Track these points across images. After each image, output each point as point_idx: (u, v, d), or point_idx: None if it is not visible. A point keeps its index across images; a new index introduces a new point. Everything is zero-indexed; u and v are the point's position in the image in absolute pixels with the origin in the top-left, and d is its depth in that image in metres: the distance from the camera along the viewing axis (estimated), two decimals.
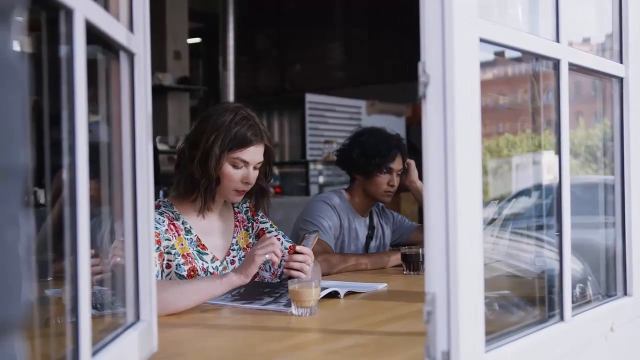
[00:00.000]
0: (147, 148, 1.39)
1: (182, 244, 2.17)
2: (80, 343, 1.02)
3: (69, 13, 1.00)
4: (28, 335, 0.70)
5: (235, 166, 2.18)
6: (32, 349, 0.92)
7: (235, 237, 2.34)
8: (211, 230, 2.28)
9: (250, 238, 2.38)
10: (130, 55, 1.35)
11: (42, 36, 1.06)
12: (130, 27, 1.35)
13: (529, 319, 1.57)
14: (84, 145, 1.03)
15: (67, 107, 1.01)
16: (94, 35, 1.12)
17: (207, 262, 2.21)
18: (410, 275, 2.63)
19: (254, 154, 2.20)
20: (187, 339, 1.68)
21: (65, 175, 1.02)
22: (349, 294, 2.17)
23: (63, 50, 1.02)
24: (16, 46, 0.58)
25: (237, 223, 2.37)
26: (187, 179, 2.19)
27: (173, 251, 2.14)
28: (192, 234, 2.21)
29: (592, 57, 1.76)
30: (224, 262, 2.27)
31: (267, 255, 1.98)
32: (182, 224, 2.21)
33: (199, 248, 2.21)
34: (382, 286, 2.35)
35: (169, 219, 2.17)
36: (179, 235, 2.18)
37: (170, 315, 1.86)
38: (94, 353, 1.10)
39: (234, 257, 2.31)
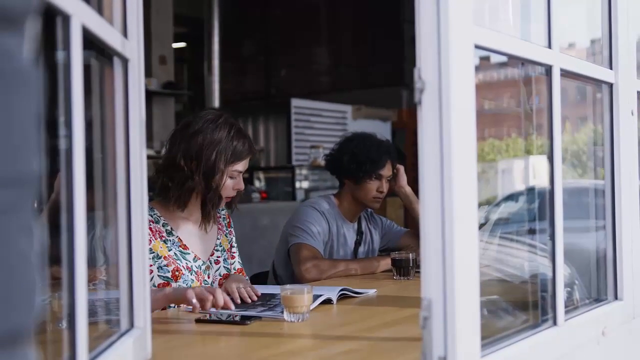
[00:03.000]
0: (141, 154, 1.38)
1: (161, 247, 2.22)
2: (77, 350, 1.01)
3: (66, 19, 0.99)
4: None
5: (231, 177, 2.28)
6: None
7: (219, 239, 2.42)
8: (195, 233, 2.34)
9: (228, 243, 2.47)
10: (125, 61, 1.34)
11: (38, 42, 1.05)
12: (125, 33, 1.35)
13: (523, 323, 1.57)
14: (80, 150, 1.02)
15: (64, 113, 1.00)
16: (89, 41, 1.11)
17: (190, 261, 2.27)
18: (400, 280, 2.63)
19: (247, 163, 2.33)
20: (180, 345, 1.67)
21: (62, 181, 1.01)
22: (342, 298, 2.18)
23: (59, 55, 1.02)
24: (29, 53, 0.58)
25: (220, 226, 2.45)
26: (187, 193, 2.24)
27: (151, 254, 2.18)
28: (173, 235, 2.27)
29: (583, 63, 1.77)
30: (207, 262, 2.34)
31: (194, 300, 1.92)
32: (163, 226, 2.27)
33: (180, 248, 2.27)
34: (372, 292, 2.36)
35: None
36: (156, 239, 2.23)
37: (164, 323, 1.85)
38: None
39: (218, 257, 2.39)
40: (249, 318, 1.87)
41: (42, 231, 0.62)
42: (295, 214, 3.03)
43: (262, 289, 2.28)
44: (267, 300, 2.12)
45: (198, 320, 1.88)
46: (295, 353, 1.60)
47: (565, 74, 1.59)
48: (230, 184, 2.28)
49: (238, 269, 2.44)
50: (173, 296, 2.02)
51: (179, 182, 2.23)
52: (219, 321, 1.87)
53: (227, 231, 2.47)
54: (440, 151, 1.17)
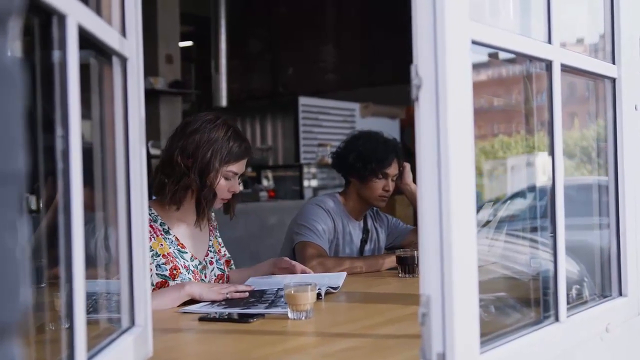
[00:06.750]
0: (140, 153, 1.38)
1: (161, 245, 2.27)
2: (76, 348, 1.01)
3: (62, 18, 1.00)
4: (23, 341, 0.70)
5: (226, 178, 2.32)
6: (27, 355, 0.92)
7: (211, 240, 2.47)
8: (190, 233, 2.38)
9: (219, 245, 2.52)
10: (123, 60, 1.35)
11: (34, 41, 1.05)
12: (123, 32, 1.35)
13: (524, 319, 1.57)
14: (77, 150, 1.02)
15: (61, 113, 1.01)
16: (86, 40, 1.12)
17: (187, 260, 2.31)
18: (405, 278, 2.63)
19: (243, 166, 2.37)
20: (181, 344, 1.67)
21: (59, 181, 1.02)
22: (346, 295, 2.19)
23: (56, 55, 1.02)
24: (12, 51, 0.59)
25: (211, 228, 2.51)
26: (183, 189, 2.28)
27: (151, 252, 2.21)
28: (171, 234, 2.31)
29: (585, 58, 1.77)
30: (203, 262, 2.39)
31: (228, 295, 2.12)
32: (160, 225, 2.31)
33: (179, 247, 2.31)
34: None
35: None
36: (157, 236, 2.27)
37: (165, 321, 1.86)
38: (89, 358, 1.09)
39: (211, 258, 2.44)
40: (252, 316, 1.87)
41: (28, 228, 0.63)
42: (300, 212, 3.03)
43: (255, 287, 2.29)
44: (260, 297, 2.12)
45: (201, 319, 1.88)
46: (297, 350, 1.60)
47: (566, 69, 1.58)
48: (225, 185, 2.32)
49: (218, 274, 2.45)
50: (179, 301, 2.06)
51: (175, 179, 2.27)
52: (222, 319, 1.87)
53: (216, 234, 2.53)
54: (438, 147, 1.17)
